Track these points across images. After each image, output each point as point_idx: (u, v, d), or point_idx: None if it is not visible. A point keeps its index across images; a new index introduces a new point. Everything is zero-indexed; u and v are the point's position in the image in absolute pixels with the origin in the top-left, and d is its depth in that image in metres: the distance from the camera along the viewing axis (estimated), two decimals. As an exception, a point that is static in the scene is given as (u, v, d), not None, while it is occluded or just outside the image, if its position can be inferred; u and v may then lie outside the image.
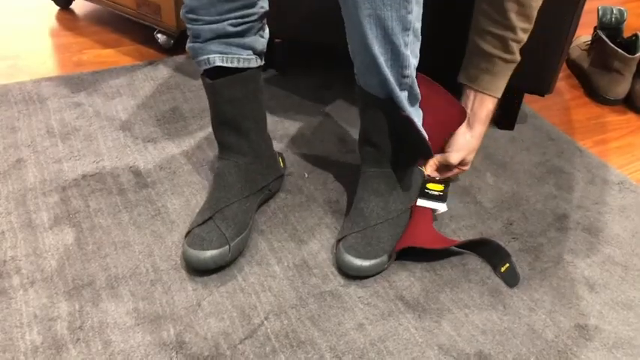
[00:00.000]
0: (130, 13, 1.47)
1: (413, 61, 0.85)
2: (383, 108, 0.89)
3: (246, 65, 0.90)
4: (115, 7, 1.49)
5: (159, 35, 1.46)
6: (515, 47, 0.99)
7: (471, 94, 1.03)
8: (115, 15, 1.63)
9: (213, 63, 0.88)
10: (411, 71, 0.86)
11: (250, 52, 0.90)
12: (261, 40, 0.92)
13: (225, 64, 0.88)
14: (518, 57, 1.00)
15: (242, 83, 0.91)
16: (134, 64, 1.43)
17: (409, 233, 0.94)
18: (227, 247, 0.88)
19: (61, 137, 1.15)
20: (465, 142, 1.04)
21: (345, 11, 0.82)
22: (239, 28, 0.87)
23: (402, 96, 0.87)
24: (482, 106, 1.03)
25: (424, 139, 0.92)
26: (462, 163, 1.05)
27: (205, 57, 0.88)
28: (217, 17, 0.85)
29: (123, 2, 1.45)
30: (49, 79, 1.33)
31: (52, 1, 1.66)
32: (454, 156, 1.03)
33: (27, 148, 1.11)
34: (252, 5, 0.87)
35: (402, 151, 0.94)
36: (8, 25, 1.56)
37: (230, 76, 0.89)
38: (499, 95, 1.03)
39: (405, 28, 0.81)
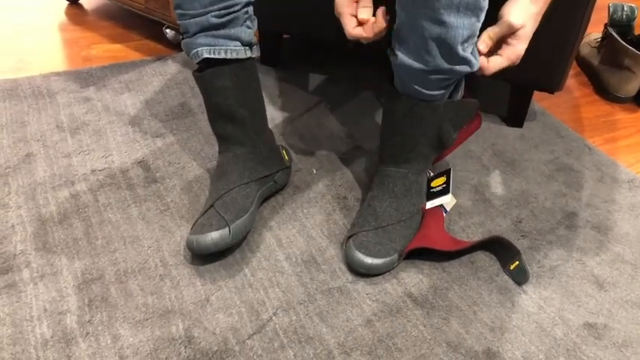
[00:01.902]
0: (138, 8, 1.47)
1: None
2: (421, 110, 0.89)
3: (234, 56, 0.91)
4: (124, 2, 1.49)
5: (167, 30, 1.46)
6: None
7: None
8: (124, 10, 1.63)
9: (202, 56, 0.89)
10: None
11: (238, 42, 0.91)
12: (247, 31, 0.92)
13: (212, 56, 0.89)
14: None
15: (231, 72, 0.92)
16: (143, 59, 1.43)
17: (421, 235, 0.94)
18: (227, 229, 0.88)
19: (70, 132, 1.15)
20: (523, 7, 0.85)
21: (405, 14, 0.81)
22: (223, 20, 0.88)
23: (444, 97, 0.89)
24: None
25: (461, 101, 0.93)
26: (515, 36, 0.86)
27: (195, 50, 0.90)
28: (201, 10, 0.86)
29: (132, -3, 1.46)
30: (58, 73, 1.33)
31: (61, -4, 1.67)
32: (513, 16, 0.84)
33: (36, 143, 1.11)
34: None
35: (423, 153, 0.95)
36: (17, 20, 1.57)
37: (218, 67, 0.90)
38: None
39: (473, 35, 0.81)
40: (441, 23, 0.77)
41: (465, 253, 0.96)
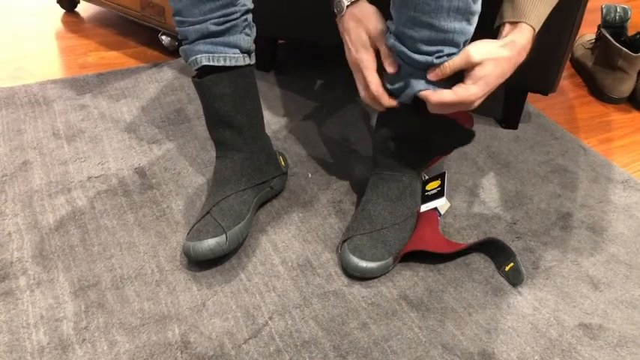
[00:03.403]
0: (134, 15, 1.48)
1: None
2: (411, 117, 0.89)
3: (233, 63, 0.91)
4: (120, 10, 1.50)
5: (163, 37, 1.47)
6: None
7: (506, 27, 0.85)
8: (120, 17, 1.64)
9: (201, 63, 0.90)
10: None
11: (236, 50, 0.91)
12: (246, 38, 0.92)
13: (211, 63, 0.90)
14: None
15: (230, 79, 0.92)
16: (139, 65, 1.43)
17: (416, 238, 0.94)
18: (224, 235, 0.88)
19: (66, 139, 1.16)
20: (489, 46, 0.82)
21: (397, 16, 0.81)
22: (222, 27, 0.88)
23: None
24: (517, 31, 0.84)
25: (459, 125, 0.89)
26: (470, 75, 0.82)
27: (194, 57, 0.90)
28: (200, 17, 0.87)
29: (127, 4, 1.46)
30: (55, 81, 1.34)
31: (58, 4, 1.67)
32: (473, 49, 0.81)
33: (33, 150, 1.12)
34: (234, 4, 0.88)
35: (416, 158, 0.95)
36: (14, 28, 1.57)
37: (217, 73, 0.91)
38: (536, 26, 0.85)
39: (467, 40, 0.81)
40: (432, 27, 0.77)
41: (460, 255, 0.96)
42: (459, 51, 0.81)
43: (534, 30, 0.85)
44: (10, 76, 1.36)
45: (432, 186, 1.00)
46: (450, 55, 0.80)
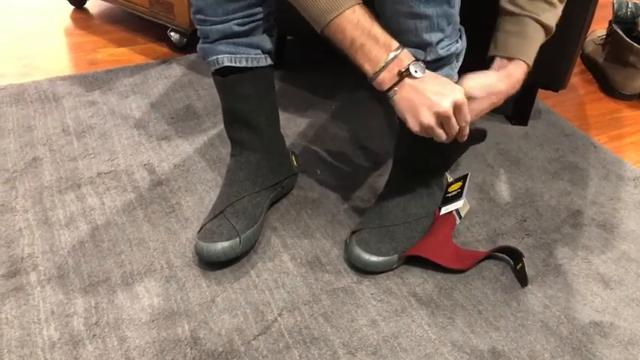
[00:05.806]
0: (143, 12, 1.48)
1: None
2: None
3: (254, 64, 0.90)
4: (129, 6, 1.50)
5: (172, 33, 1.47)
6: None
7: (502, 60, 0.89)
8: (129, 14, 1.64)
9: (222, 63, 0.89)
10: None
11: (259, 51, 0.91)
12: (269, 39, 0.92)
13: (233, 64, 0.89)
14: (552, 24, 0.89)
15: (252, 80, 0.92)
16: (148, 62, 1.44)
17: (424, 243, 0.93)
18: (237, 239, 0.89)
19: (76, 135, 1.16)
20: (487, 79, 0.86)
21: (381, 14, 0.79)
22: (246, 28, 0.87)
23: None
24: (515, 64, 0.88)
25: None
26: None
27: (214, 57, 0.89)
28: (224, 17, 0.85)
29: (136, 1, 1.46)
30: (64, 78, 1.34)
31: (67, 1, 1.68)
32: (472, 85, 0.83)
33: (43, 147, 1.12)
34: (258, 4, 0.87)
35: (436, 159, 0.93)
36: (23, 25, 1.58)
37: (240, 74, 0.90)
38: (529, 61, 0.89)
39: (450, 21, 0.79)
40: (415, 16, 0.75)
41: (465, 271, 0.94)
42: (444, 36, 0.79)
43: (529, 67, 0.88)
44: (20, 72, 1.37)
45: (454, 188, 0.98)
46: (439, 42, 0.78)
